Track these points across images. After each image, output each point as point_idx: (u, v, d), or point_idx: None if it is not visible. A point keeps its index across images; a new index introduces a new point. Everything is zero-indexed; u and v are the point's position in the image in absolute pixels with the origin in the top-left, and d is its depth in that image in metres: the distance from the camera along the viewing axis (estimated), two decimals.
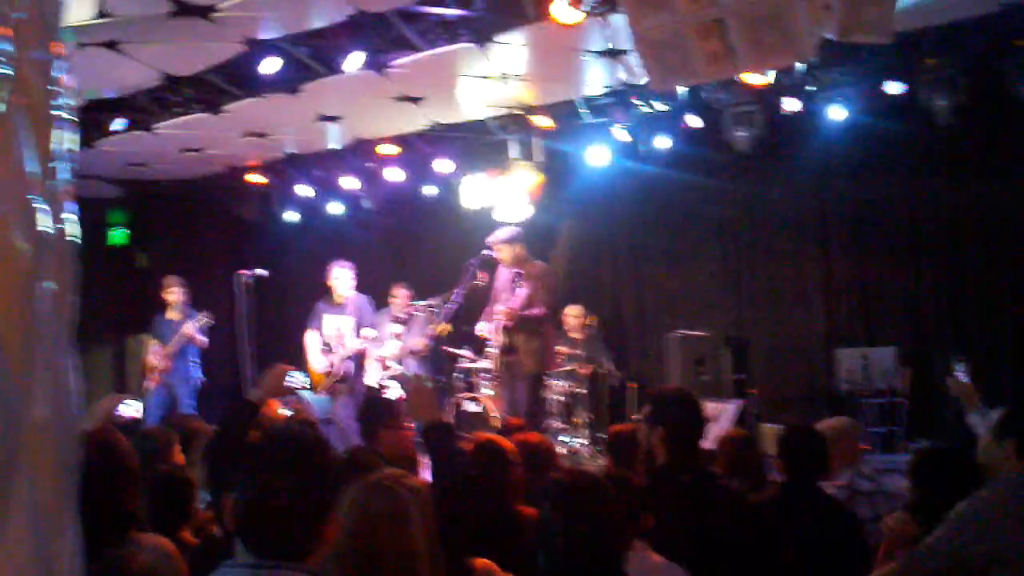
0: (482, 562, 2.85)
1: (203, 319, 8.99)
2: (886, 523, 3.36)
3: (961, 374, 4.30)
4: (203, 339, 9.09)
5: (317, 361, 8.41)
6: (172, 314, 9.28)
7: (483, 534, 3.05)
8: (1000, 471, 3.07)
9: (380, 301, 9.32)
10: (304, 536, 1.89)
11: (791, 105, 8.05)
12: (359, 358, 8.47)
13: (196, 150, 9.41)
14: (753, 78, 7.81)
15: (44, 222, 1.39)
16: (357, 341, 8.30)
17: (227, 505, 1.93)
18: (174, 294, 9.29)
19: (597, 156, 9.12)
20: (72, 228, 1.48)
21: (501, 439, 4.03)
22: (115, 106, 8.08)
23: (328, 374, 8.33)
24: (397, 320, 9.30)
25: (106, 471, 2.71)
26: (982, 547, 2.85)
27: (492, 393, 8.66)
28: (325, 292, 8.66)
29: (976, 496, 2.95)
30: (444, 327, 8.93)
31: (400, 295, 9.43)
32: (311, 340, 8.50)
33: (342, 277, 8.53)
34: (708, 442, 4.36)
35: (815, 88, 7.95)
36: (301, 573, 1.86)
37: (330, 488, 1.97)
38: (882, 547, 3.31)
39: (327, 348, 8.39)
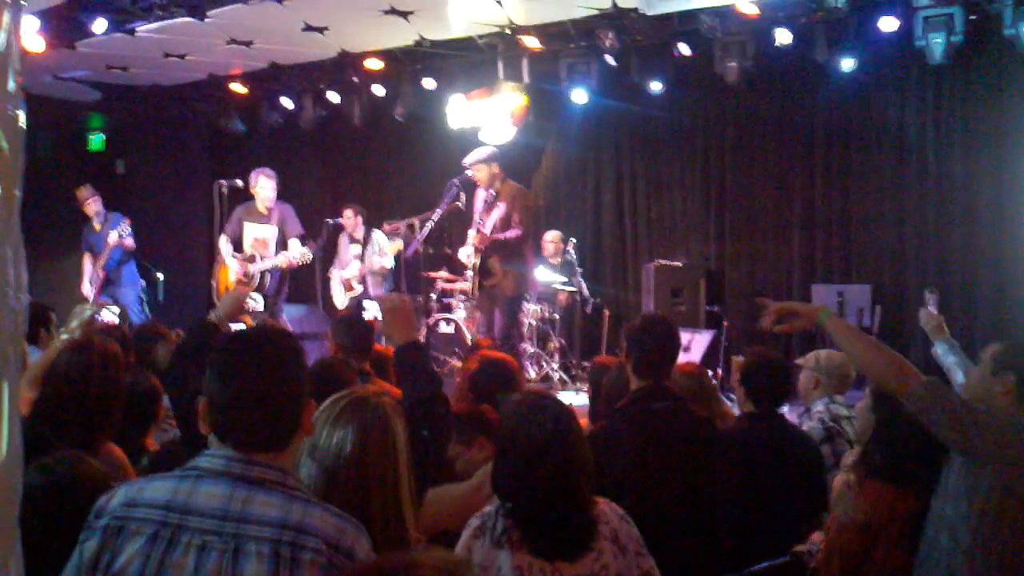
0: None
1: (125, 226, 8.80)
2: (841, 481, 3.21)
3: (932, 305, 4.30)
4: (131, 243, 8.87)
5: (232, 268, 8.12)
6: (97, 225, 9.04)
7: None
8: (992, 406, 2.89)
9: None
10: (281, 427, 1.91)
11: (783, 37, 7.95)
12: (280, 272, 8.19)
13: (178, 56, 9.23)
14: (746, 7, 7.71)
15: None
16: (282, 256, 8.02)
17: (200, 408, 1.93)
18: (92, 205, 9.02)
19: (589, 84, 9.02)
20: (22, 119, 1.44)
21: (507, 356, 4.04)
22: (97, 6, 7.90)
23: (240, 283, 8.02)
24: (354, 240, 9.11)
25: (86, 381, 2.74)
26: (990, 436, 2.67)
27: (465, 315, 8.67)
28: (247, 199, 8.31)
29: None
30: (396, 246, 8.69)
31: (348, 215, 9.16)
32: (224, 246, 8.20)
33: (265, 186, 8.15)
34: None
35: (806, 20, 7.84)
36: (271, 469, 1.87)
37: (301, 378, 1.97)
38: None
39: (250, 258, 8.11)
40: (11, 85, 1.38)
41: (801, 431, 4.06)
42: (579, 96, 9.19)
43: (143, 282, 9.24)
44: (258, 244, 8.15)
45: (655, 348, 3.52)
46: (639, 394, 3.50)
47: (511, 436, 2.54)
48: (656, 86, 8.96)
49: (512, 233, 7.22)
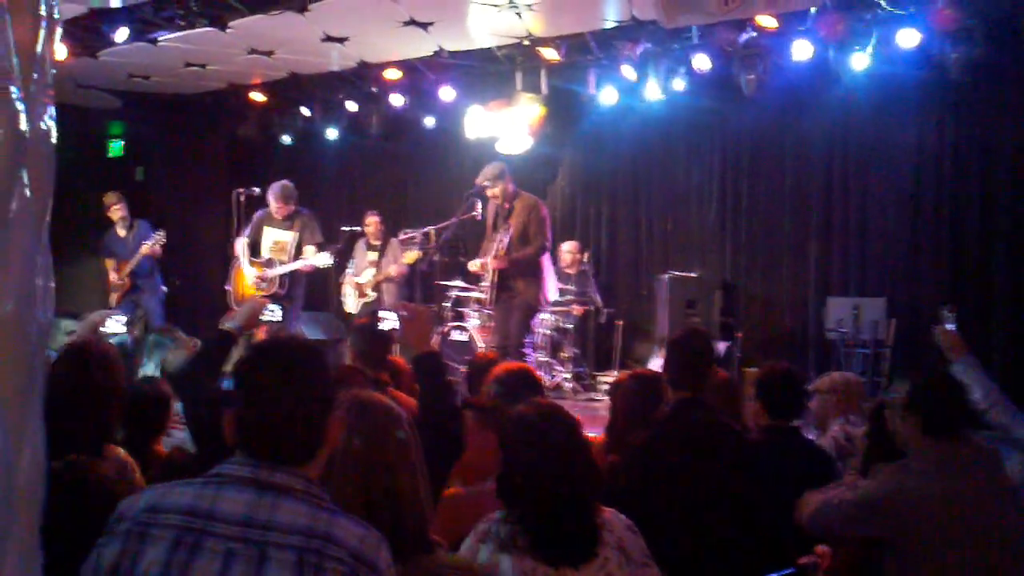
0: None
1: (159, 237, 8.86)
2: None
3: (949, 323, 4.27)
4: (159, 250, 8.92)
5: (249, 272, 8.15)
6: (121, 231, 9.13)
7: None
8: (910, 446, 3.11)
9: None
10: (308, 441, 1.92)
11: (802, 50, 7.95)
12: (295, 276, 8.22)
13: (199, 65, 9.31)
14: (765, 20, 7.73)
15: (22, 117, 1.36)
16: (302, 260, 8.05)
17: (227, 420, 1.94)
18: (118, 211, 9.10)
19: (607, 95, 9.05)
20: (53, 131, 1.46)
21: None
22: (119, 16, 7.98)
23: (257, 286, 8.06)
24: (372, 247, 9.19)
25: (83, 383, 2.73)
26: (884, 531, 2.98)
27: (479, 323, 8.69)
28: (265, 207, 8.33)
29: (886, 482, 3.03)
30: (413, 255, 8.73)
31: (372, 222, 9.24)
32: (242, 249, 8.21)
33: (283, 196, 8.17)
34: None
35: (825, 32, 7.83)
36: (297, 478, 1.88)
37: (327, 389, 1.99)
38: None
39: (268, 262, 8.16)
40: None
41: (815, 444, 4.07)
42: (609, 96, 9.18)
43: (165, 289, 9.32)
44: (276, 248, 8.21)
45: (693, 361, 3.61)
46: (679, 405, 3.55)
47: (516, 444, 2.57)
48: (673, 98, 8.96)
49: (529, 251, 7.28)
